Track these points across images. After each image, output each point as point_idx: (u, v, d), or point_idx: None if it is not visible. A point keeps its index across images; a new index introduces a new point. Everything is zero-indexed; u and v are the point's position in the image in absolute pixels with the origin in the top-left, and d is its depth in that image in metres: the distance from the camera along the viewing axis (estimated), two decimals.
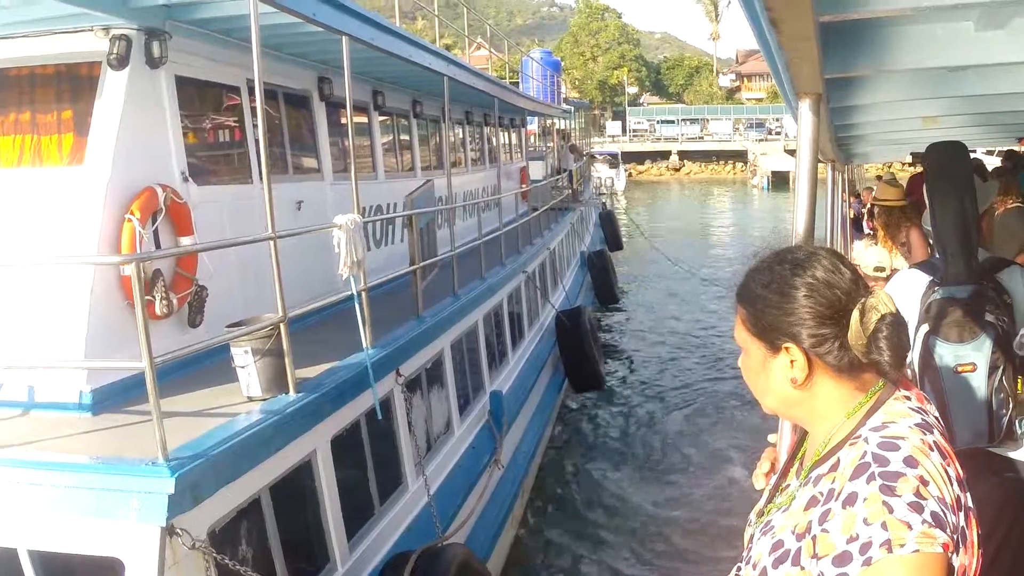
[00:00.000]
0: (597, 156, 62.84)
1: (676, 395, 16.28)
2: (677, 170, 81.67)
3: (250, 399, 5.86)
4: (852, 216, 13.49)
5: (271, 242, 5.79)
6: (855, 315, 1.68)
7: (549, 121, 30.95)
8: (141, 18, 6.34)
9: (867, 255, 6.93)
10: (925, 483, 1.52)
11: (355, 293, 6.71)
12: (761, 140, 79.28)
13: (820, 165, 7.96)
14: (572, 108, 31.00)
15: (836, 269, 1.75)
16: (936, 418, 1.77)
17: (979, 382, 3.37)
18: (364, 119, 10.96)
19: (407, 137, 12.80)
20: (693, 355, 19.14)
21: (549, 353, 14.97)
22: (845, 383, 1.76)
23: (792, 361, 1.76)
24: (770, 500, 1.99)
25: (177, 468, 4.39)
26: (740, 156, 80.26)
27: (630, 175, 73.03)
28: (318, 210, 9.01)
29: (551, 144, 30.31)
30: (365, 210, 10.43)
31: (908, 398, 1.75)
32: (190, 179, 6.93)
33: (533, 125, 32.56)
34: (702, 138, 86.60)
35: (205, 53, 7.28)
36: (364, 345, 6.80)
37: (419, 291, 8.50)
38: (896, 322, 1.68)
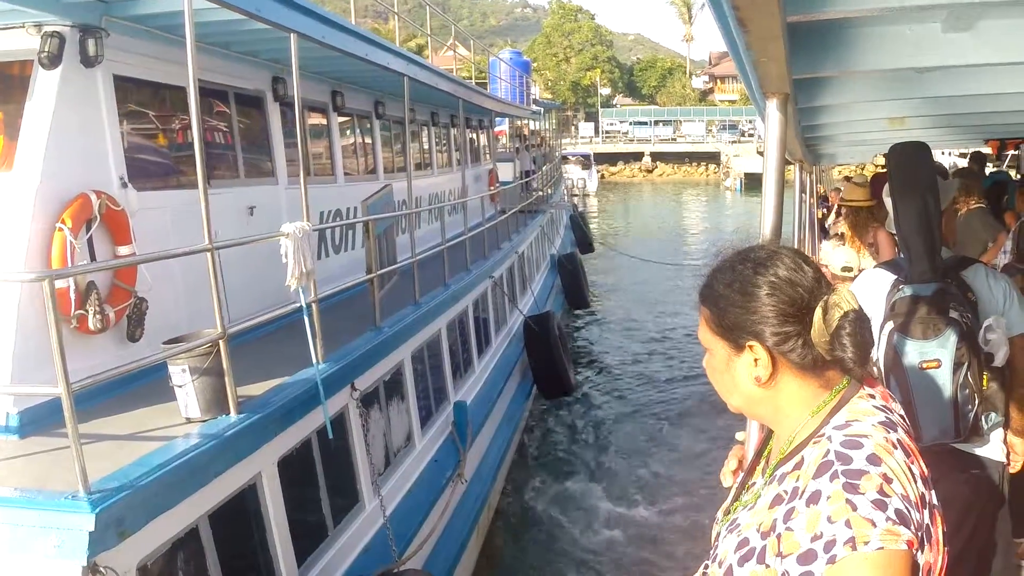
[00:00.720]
0: (569, 157, 62.90)
1: (646, 398, 16.14)
2: (650, 171, 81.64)
3: (189, 420, 5.51)
4: (820, 216, 13.64)
5: (210, 253, 5.38)
6: (818, 312, 1.68)
7: (520, 122, 30.66)
8: (75, 14, 5.98)
9: (834, 255, 6.72)
10: (889, 481, 1.52)
11: (304, 305, 6.34)
12: (734, 142, 79.33)
13: (789, 166, 8.26)
14: (541, 109, 30.58)
15: (798, 267, 1.75)
16: (900, 416, 1.77)
17: (944, 378, 3.41)
18: (323, 120, 10.59)
19: (369, 139, 12.43)
20: (663, 357, 19.01)
21: (517, 359, 14.67)
22: (809, 381, 1.75)
23: (756, 359, 1.76)
24: (736, 498, 2.00)
25: (99, 502, 4.05)
26: (713, 158, 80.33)
27: (603, 176, 72.94)
28: (273, 215, 8.66)
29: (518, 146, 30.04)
30: (324, 215, 10.11)
31: (872, 396, 1.75)
32: (129, 184, 6.55)
33: (504, 126, 32.31)
34: (675, 140, 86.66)
35: (147, 51, 6.91)
36: (314, 360, 6.44)
37: (376, 301, 8.17)
38: (859, 319, 1.68)
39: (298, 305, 6.37)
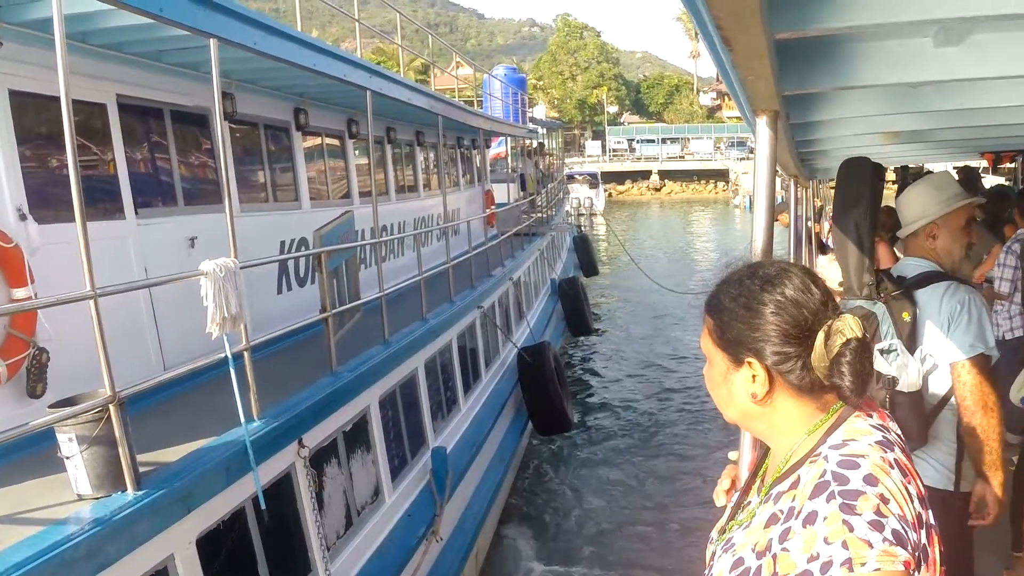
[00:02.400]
0: (576, 176, 62.17)
1: (648, 434, 15.20)
2: (658, 190, 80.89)
3: (80, 498, 4.60)
4: (817, 231, 13.07)
5: (93, 301, 4.45)
6: (820, 337, 1.67)
7: (526, 141, 29.80)
8: None
9: (830, 270, 6.57)
10: (886, 501, 1.51)
11: (228, 357, 5.41)
12: (742, 159, 78.37)
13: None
14: (539, 128, 29.49)
15: (806, 288, 1.72)
16: (898, 435, 1.76)
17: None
18: (285, 141, 9.70)
19: (342, 161, 11.51)
20: (668, 389, 18.00)
21: (509, 394, 13.69)
22: (806, 402, 1.74)
23: (754, 376, 1.74)
24: (731, 517, 1.97)
25: None
26: (721, 175, 79.58)
27: (610, 195, 72.16)
28: (220, 246, 7.75)
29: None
30: (287, 244, 9.22)
31: (870, 415, 1.74)
32: (29, 216, 5.63)
33: (503, 147, 31.45)
34: (683, 157, 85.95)
35: (53, 63, 6.01)
36: (242, 419, 5.50)
37: (332, 344, 7.23)
38: (860, 348, 1.65)
39: (222, 355, 5.44)
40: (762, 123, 2.43)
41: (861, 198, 3.76)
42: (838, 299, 2.00)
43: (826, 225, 13.32)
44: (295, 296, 9.32)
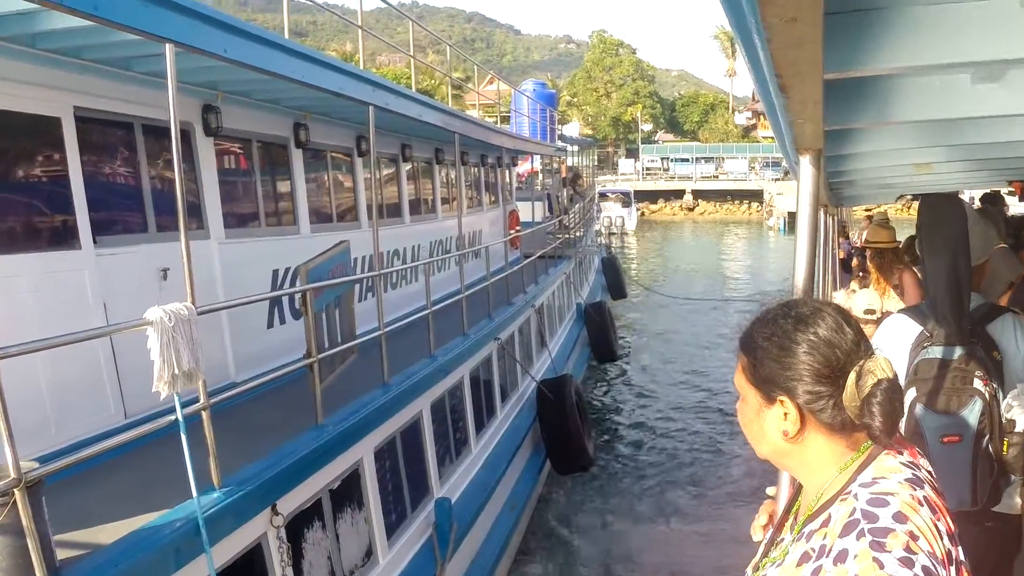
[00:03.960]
0: (609, 195, 61.39)
1: (674, 467, 14.35)
2: (691, 209, 79.62)
3: None
4: (842, 257, 13.46)
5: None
6: (852, 377, 1.67)
7: (560, 161, 28.87)
8: None
9: (857, 297, 6.89)
10: (915, 538, 1.52)
11: (180, 419, 4.58)
12: (777, 179, 76.94)
13: None
14: (567, 145, 28.43)
15: (839, 328, 1.73)
16: (928, 472, 1.76)
17: (964, 452, 3.34)
18: (283, 158, 8.89)
19: (349, 181, 10.69)
20: (695, 418, 17.10)
21: (528, 430, 12.82)
22: (837, 440, 1.74)
23: (785, 414, 1.75)
24: (765, 555, 1.98)
25: None
26: (756, 196, 78.13)
27: (642, 214, 71.20)
28: (200, 278, 6.97)
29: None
30: (280, 273, 8.41)
31: (900, 452, 1.75)
32: None
33: (536, 163, 30.61)
34: (717, 177, 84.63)
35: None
36: (193, 492, 4.67)
37: (317, 392, 6.40)
38: (891, 388, 1.66)
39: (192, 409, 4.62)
40: (805, 161, 2.46)
41: (959, 238, 3.53)
42: (864, 326, 1.91)
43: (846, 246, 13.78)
44: (288, 330, 8.51)
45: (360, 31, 9.19)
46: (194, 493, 4.67)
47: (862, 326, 1.81)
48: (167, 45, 4.64)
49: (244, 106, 7.91)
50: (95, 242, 6.10)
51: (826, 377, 1.68)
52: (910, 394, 3.44)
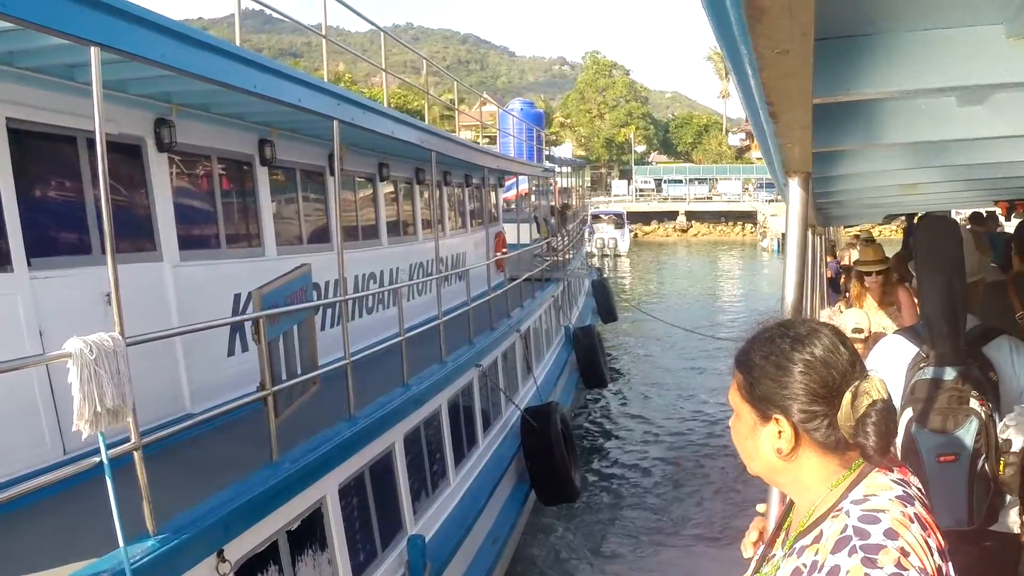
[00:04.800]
0: (602, 216, 61.13)
1: (666, 507, 13.71)
2: (685, 231, 79.41)
3: None
4: (830, 276, 13.49)
5: None
6: (847, 397, 1.68)
7: (551, 180, 28.39)
8: None
9: (845, 316, 6.88)
10: (906, 554, 1.53)
11: (104, 461, 4.12)
12: (771, 201, 76.77)
13: None
14: (554, 166, 27.92)
15: (835, 349, 1.74)
16: (919, 489, 1.79)
17: (960, 472, 3.32)
18: (247, 176, 8.44)
19: (320, 202, 10.24)
20: (688, 449, 16.56)
21: (511, 460, 12.32)
22: (830, 459, 1.76)
23: (780, 432, 1.76)
24: (756, 570, 2.00)
25: None
26: (750, 217, 78.00)
27: (635, 236, 70.96)
28: (151, 303, 6.53)
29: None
30: (242, 298, 7.96)
31: (891, 470, 1.76)
32: None
33: (523, 186, 30.17)
34: (711, 198, 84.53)
35: None
36: (120, 542, 4.19)
37: (272, 428, 5.93)
38: (885, 409, 1.67)
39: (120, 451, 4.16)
40: (794, 184, 2.51)
41: (955, 259, 3.55)
42: (922, 365, 2.34)
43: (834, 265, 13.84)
44: (251, 358, 8.00)
45: (324, 40, 8.75)
46: (120, 542, 4.19)
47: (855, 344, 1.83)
48: (92, 48, 4.20)
49: (203, 120, 7.48)
50: (29, 264, 5.64)
51: (822, 397, 1.69)
52: (906, 414, 3.45)
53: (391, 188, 12.90)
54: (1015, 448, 3.37)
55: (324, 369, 6.99)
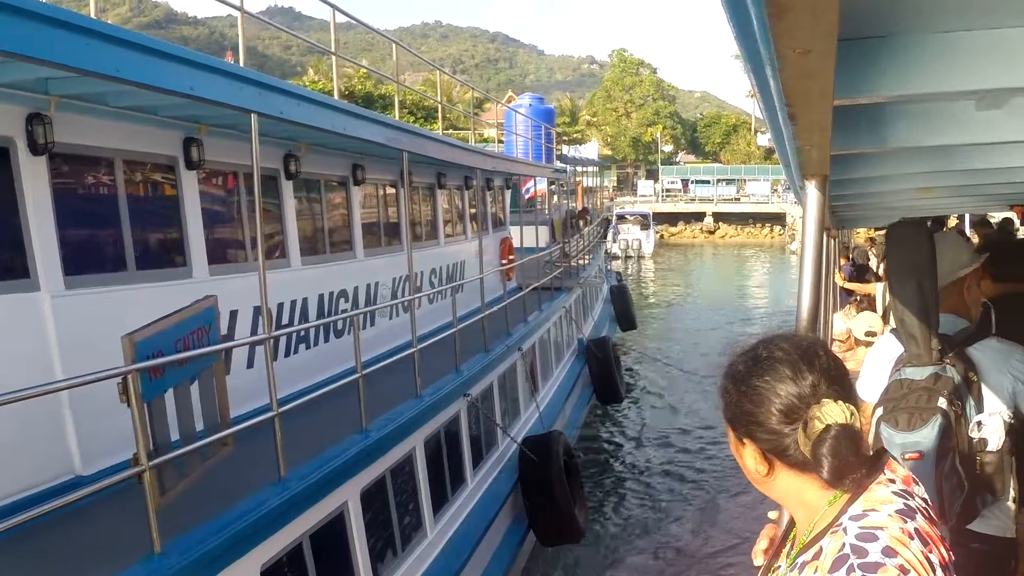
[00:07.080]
0: (627, 217, 59.81)
1: (678, 539, 12.46)
2: (712, 232, 77.64)
3: None
4: (844, 279, 13.07)
5: None
6: (802, 423, 1.65)
7: (573, 180, 26.94)
8: None
9: (857, 320, 6.83)
10: (905, 572, 1.49)
11: None
12: (799, 202, 75.07)
13: None
14: (566, 166, 26.19)
15: (797, 375, 1.68)
16: (923, 499, 1.73)
17: (927, 470, 3.27)
18: (171, 182, 7.08)
19: (276, 208, 8.84)
20: (709, 475, 15.11)
21: (506, 498, 10.95)
22: (811, 478, 1.69)
23: (752, 455, 1.75)
24: None
25: None
26: (778, 219, 76.09)
27: (661, 237, 69.50)
28: (20, 340, 5.20)
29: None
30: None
31: (892, 481, 1.71)
32: None
33: (542, 185, 28.79)
34: (738, 199, 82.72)
35: None
36: None
37: (151, 515, 4.58)
38: (838, 435, 1.62)
39: None
40: (811, 187, 2.48)
41: (923, 262, 3.47)
42: (900, 366, 2.47)
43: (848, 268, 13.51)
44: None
45: (335, 57, 7.35)
46: None
47: (864, 348, 3.15)
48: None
49: (98, 115, 6.13)
50: None
51: (783, 422, 1.66)
52: (878, 413, 3.47)
53: (371, 192, 11.53)
54: (991, 448, 3.40)
55: (238, 427, 5.62)
